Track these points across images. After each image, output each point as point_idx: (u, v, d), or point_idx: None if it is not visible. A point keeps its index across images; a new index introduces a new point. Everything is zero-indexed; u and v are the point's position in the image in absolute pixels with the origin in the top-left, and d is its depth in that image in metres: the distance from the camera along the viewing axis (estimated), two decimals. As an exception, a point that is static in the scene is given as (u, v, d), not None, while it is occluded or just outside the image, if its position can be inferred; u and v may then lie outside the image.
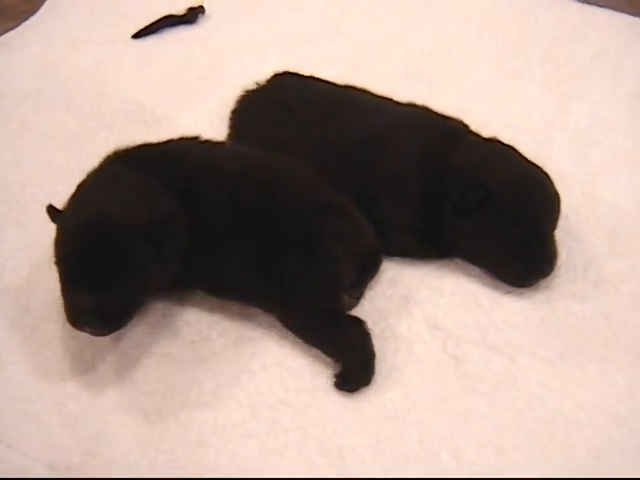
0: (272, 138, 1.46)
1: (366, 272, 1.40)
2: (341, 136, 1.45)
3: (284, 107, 1.52)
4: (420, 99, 1.53)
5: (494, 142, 1.44)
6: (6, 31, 1.95)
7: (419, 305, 1.38)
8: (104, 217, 1.24)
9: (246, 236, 1.32)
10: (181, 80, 1.78)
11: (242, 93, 1.61)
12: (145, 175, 1.33)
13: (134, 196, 1.29)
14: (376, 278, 1.41)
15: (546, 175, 1.40)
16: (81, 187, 1.34)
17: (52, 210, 1.32)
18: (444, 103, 1.55)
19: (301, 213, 1.34)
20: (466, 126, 1.49)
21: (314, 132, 1.48)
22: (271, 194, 1.34)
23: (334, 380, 1.29)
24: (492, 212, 1.35)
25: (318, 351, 1.32)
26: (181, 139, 1.44)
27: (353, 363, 1.29)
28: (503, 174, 1.36)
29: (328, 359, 1.31)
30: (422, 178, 1.39)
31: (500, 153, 1.41)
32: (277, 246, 1.31)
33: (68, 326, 1.33)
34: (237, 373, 1.31)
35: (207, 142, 1.45)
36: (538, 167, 1.41)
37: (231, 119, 1.61)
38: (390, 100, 1.55)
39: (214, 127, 1.60)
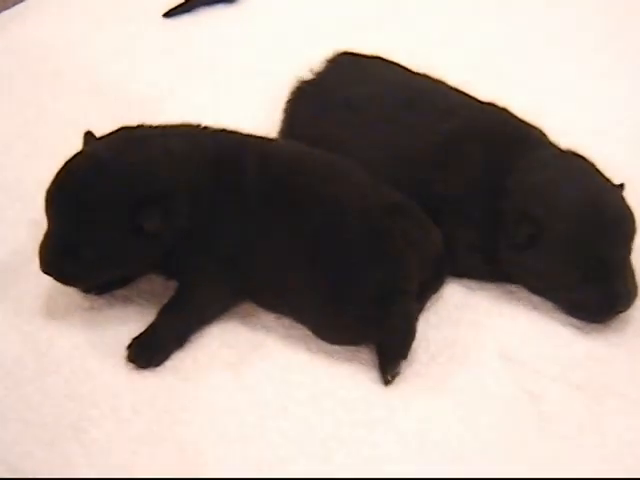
0: (330, 139, 1.40)
1: (429, 285, 1.34)
2: (405, 144, 1.40)
3: (345, 104, 1.45)
4: (491, 99, 1.46)
5: (567, 155, 1.36)
6: (21, 1, 1.92)
7: (490, 333, 1.32)
8: (85, 182, 1.23)
9: (301, 232, 1.27)
10: (219, 67, 1.73)
11: (297, 84, 1.53)
12: (168, 143, 1.30)
13: (132, 168, 1.25)
14: (442, 302, 1.36)
15: (616, 196, 1.32)
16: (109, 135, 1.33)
17: (88, 137, 1.32)
18: (519, 105, 1.47)
19: (367, 211, 1.28)
20: (543, 135, 1.41)
21: (377, 136, 1.41)
22: (333, 189, 1.30)
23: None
24: (547, 248, 1.28)
25: (374, 383, 1.25)
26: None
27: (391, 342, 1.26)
28: (559, 204, 1.28)
29: (385, 390, 1.23)
30: (484, 197, 1.34)
31: (564, 174, 1.32)
32: (340, 245, 1.26)
33: (91, 340, 1.29)
34: (283, 403, 1.23)
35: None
36: (609, 187, 1.32)
37: (285, 112, 1.53)
38: (466, 96, 1.47)
39: (258, 122, 1.52)
